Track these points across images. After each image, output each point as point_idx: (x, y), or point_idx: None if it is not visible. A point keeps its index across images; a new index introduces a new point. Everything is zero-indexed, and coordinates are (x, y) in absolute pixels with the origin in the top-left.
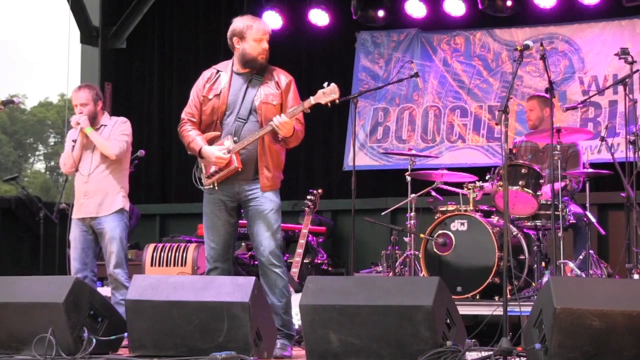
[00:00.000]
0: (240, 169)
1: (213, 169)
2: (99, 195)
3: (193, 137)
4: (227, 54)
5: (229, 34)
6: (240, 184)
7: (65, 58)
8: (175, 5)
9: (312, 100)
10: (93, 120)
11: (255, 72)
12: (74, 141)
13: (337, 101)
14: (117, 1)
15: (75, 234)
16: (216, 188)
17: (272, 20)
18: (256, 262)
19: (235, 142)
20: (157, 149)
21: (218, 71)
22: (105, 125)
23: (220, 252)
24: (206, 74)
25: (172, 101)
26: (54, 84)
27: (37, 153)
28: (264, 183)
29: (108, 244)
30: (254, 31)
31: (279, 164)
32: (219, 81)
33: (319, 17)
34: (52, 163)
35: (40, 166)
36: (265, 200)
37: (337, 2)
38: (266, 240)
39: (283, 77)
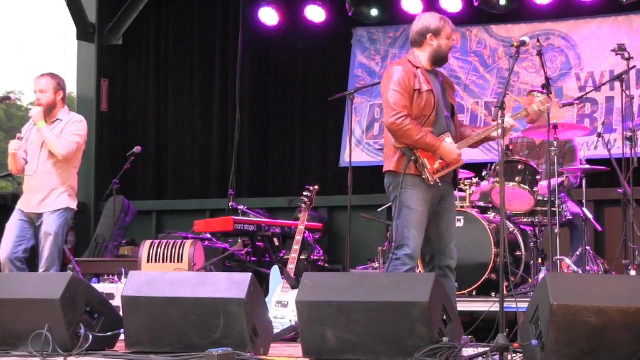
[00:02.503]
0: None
1: (438, 164)
2: (42, 192)
3: (426, 132)
4: (224, 51)
5: (420, 29)
6: (445, 183)
7: (61, 55)
8: (171, 1)
9: (535, 107)
10: (50, 111)
11: (435, 71)
12: (20, 138)
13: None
14: None
15: (13, 222)
16: (440, 184)
17: (268, 16)
18: (253, 259)
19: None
20: (153, 145)
21: (414, 66)
22: (61, 120)
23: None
24: (407, 68)
25: (168, 97)
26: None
27: None
28: (457, 183)
29: (43, 240)
30: (448, 29)
31: None
32: (420, 76)
33: (315, 14)
34: None
35: None
36: (454, 202)
37: None
38: (454, 245)
39: (449, 80)
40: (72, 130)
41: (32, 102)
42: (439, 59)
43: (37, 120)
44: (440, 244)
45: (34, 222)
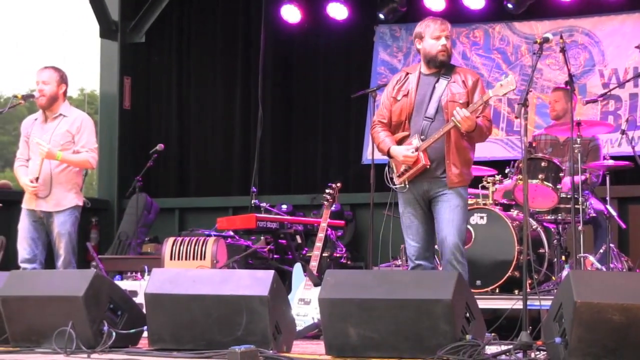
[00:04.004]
0: (428, 166)
1: (403, 168)
2: (51, 192)
3: (382, 139)
4: (246, 48)
5: (412, 39)
6: (429, 182)
7: (84, 52)
8: None
9: (491, 93)
10: (52, 103)
11: (442, 72)
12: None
13: (514, 92)
14: None
15: (24, 224)
16: (407, 186)
17: (290, 14)
18: (276, 256)
19: (422, 140)
20: (175, 142)
21: (407, 73)
22: (65, 116)
23: (422, 250)
24: (395, 77)
25: (190, 95)
26: (73, 78)
27: None
28: (452, 180)
29: (57, 241)
30: (431, 29)
31: (467, 161)
32: (407, 82)
33: (337, 11)
34: None
35: None
36: (452, 197)
37: None
38: (450, 236)
39: (469, 76)
40: (87, 138)
41: (33, 90)
42: (429, 60)
43: (53, 156)
44: (438, 236)
45: (43, 221)
